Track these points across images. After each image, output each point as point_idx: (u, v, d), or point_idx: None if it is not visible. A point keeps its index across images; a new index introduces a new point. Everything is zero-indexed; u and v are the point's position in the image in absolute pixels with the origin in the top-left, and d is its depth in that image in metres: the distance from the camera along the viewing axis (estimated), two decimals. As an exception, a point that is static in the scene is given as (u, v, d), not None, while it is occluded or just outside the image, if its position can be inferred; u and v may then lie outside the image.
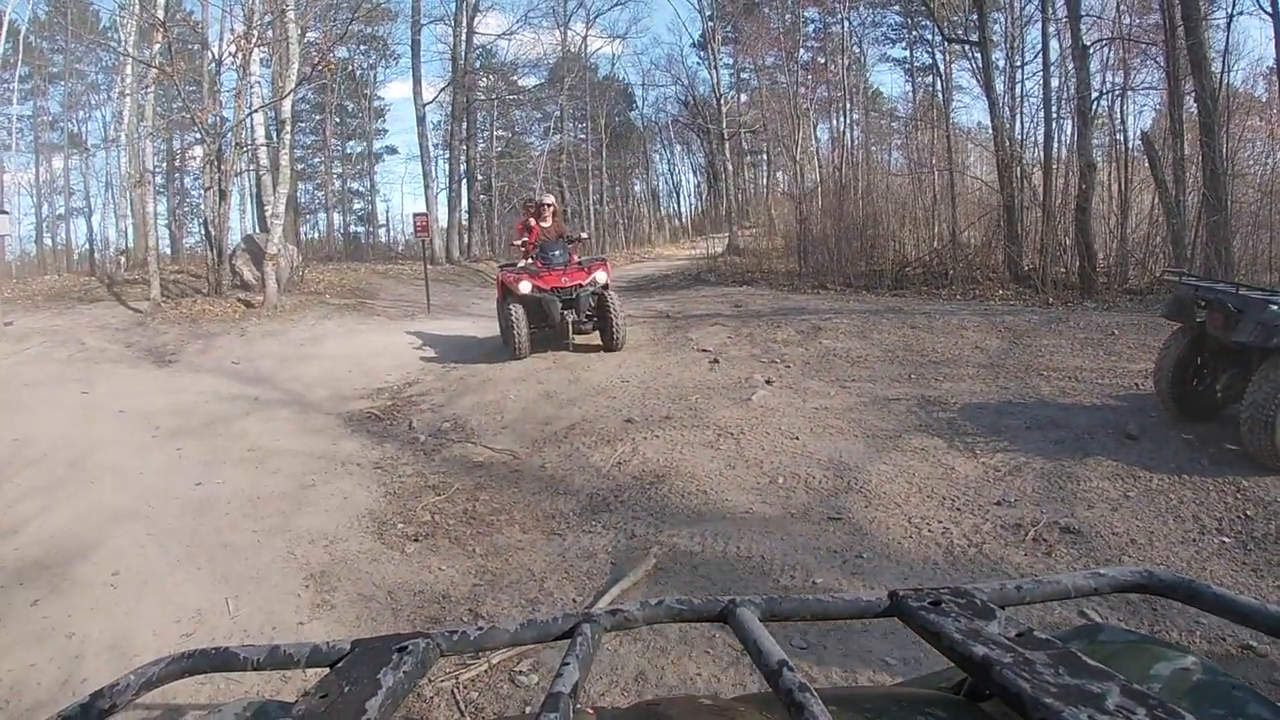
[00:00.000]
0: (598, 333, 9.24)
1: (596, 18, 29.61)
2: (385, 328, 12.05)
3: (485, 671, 3.18)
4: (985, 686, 0.60)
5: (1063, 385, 6.82)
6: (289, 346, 10.65)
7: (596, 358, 8.83)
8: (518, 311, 8.69)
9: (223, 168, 12.56)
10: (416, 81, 23.43)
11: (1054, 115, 16.14)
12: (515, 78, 30.15)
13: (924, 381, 7.29)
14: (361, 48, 30.64)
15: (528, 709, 2.91)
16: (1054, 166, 14.90)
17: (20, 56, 21.00)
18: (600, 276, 8.94)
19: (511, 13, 28.13)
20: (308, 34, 13.54)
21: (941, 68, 26.33)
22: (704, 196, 37.65)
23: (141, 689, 0.65)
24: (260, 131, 13.80)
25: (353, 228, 33.56)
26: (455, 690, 3.11)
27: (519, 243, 9.80)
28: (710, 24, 27.50)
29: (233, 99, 13.46)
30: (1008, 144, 16.42)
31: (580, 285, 8.80)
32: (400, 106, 46.00)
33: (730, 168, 29.07)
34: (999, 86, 16.93)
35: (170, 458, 6.32)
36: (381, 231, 33.25)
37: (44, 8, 21.38)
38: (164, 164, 22.72)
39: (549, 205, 10.01)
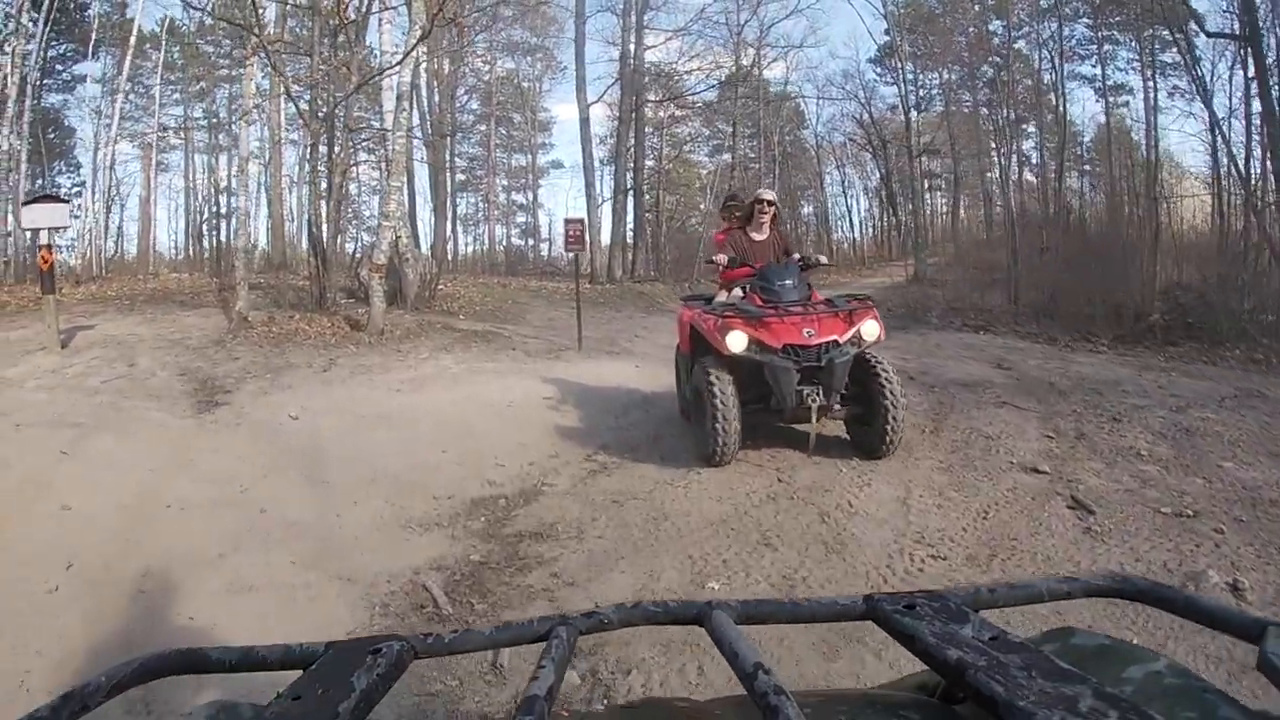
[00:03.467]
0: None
1: (770, 27, 25.75)
2: (518, 370, 8.40)
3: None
4: (959, 689, 0.58)
5: None
6: (378, 394, 7.17)
7: (852, 472, 4.77)
8: (722, 383, 4.72)
9: (333, 156, 9.32)
10: (580, 80, 20.16)
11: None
12: (685, 91, 26.76)
13: None
14: (527, 59, 28.32)
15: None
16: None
17: (160, 57, 19.19)
18: (870, 329, 4.87)
19: (684, 14, 24.56)
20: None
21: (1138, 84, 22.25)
22: (877, 222, 34.25)
23: (113, 690, 0.59)
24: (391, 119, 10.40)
25: (514, 240, 30.93)
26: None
27: (718, 259, 5.83)
28: (895, 33, 24.16)
29: (346, 73, 9.98)
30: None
31: (835, 343, 4.74)
32: (568, 124, 43.36)
33: (917, 188, 26.40)
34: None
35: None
36: (544, 246, 30.55)
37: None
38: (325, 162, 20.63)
39: (769, 204, 5.93)
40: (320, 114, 9.24)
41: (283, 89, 9.84)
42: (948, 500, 4.38)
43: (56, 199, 9.06)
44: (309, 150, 10.11)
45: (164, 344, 8.99)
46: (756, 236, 5.87)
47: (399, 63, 8.88)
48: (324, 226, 9.55)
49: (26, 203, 8.67)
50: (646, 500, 4.40)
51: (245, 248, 9.65)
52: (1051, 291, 13.72)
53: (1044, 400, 7.04)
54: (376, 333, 8.89)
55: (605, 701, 2.60)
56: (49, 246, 8.46)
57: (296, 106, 9.48)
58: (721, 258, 5.79)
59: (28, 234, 8.59)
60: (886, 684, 0.85)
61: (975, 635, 0.58)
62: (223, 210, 22.70)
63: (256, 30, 8.73)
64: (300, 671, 0.60)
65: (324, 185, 9.55)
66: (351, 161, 11.29)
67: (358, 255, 12.59)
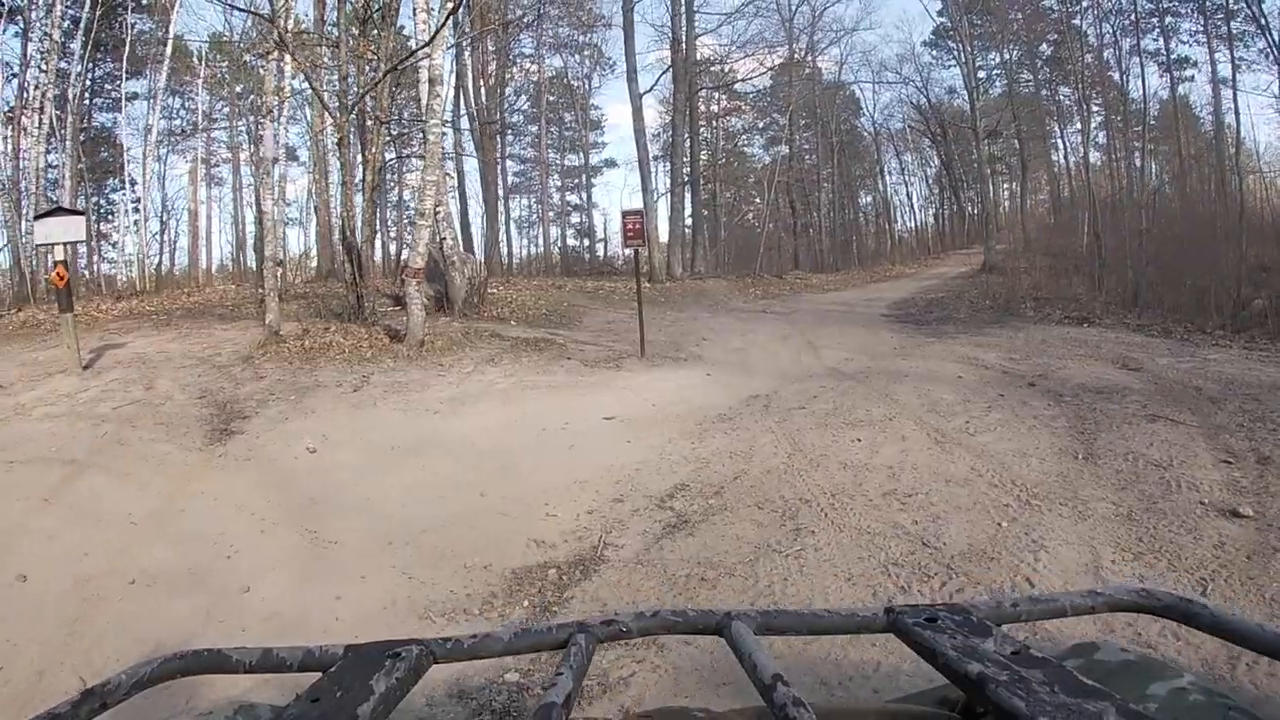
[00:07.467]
0: None
1: (822, 12, 24.53)
2: (574, 383, 7.27)
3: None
4: (980, 704, 0.53)
5: None
6: (412, 417, 6.12)
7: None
8: None
9: (365, 152, 8.28)
10: (631, 70, 18.92)
11: None
12: (738, 78, 25.65)
13: None
14: (575, 57, 27.55)
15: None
16: None
17: (202, 69, 18.49)
18: None
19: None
20: None
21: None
22: (938, 209, 33.38)
23: (133, 689, 0.58)
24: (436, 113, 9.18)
25: (569, 240, 29.97)
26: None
27: None
28: (953, 11, 22.96)
29: (374, 60, 8.70)
30: None
31: None
32: (620, 124, 42.19)
33: (985, 172, 25.45)
34: None
35: None
36: (599, 246, 29.59)
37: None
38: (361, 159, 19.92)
39: None
40: (350, 105, 8.19)
41: (305, 80, 8.78)
42: (1153, 571, 3.10)
43: (72, 211, 8.27)
44: (336, 146, 9.02)
45: (191, 362, 8.11)
46: None
47: (428, 42, 7.75)
48: (358, 229, 8.51)
49: (39, 216, 7.84)
50: (747, 577, 3.20)
51: (274, 256, 8.64)
52: (1142, 277, 12.14)
53: (1198, 411, 5.65)
54: (416, 344, 7.85)
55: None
56: (64, 262, 7.63)
57: (320, 98, 8.43)
58: None
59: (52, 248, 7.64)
60: (906, 697, 0.79)
61: (997, 649, 0.54)
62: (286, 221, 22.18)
63: (277, 20, 7.69)
64: (319, 674, 0.57)
65: (358, 183, 8.52)
66: (386, 157, 10.28)
67: (403, 262, 11.68)
